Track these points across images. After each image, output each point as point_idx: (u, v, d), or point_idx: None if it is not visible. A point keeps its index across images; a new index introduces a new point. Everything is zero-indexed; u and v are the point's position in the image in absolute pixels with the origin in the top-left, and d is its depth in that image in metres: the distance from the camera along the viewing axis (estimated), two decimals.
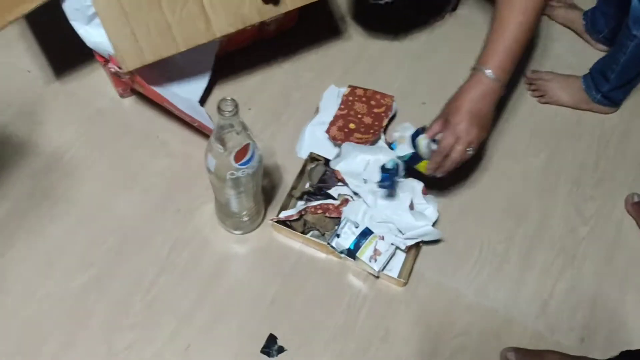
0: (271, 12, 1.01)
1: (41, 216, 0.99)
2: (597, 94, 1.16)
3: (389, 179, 0.97)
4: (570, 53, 1.28)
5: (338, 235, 0.97)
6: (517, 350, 0.91)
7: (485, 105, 0.92)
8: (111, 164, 1.06)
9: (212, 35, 0.97)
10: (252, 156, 0.83)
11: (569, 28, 1.32)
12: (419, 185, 1.03)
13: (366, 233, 0.97)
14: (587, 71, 1.18)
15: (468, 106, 0.91)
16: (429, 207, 1.02)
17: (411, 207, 1.01)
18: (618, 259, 1.03)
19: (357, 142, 1.08)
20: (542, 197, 1.09)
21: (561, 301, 0.98)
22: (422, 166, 0.98)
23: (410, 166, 0.98)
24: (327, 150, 1.10)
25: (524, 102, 1.21)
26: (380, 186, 0.99)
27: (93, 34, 0.91)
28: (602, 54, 1.22)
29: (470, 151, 0.92)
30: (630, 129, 1.18)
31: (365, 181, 1.03)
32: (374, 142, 1.09)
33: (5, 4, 0.86)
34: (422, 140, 0.97)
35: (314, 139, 1.11)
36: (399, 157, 0.98)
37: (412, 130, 0.99)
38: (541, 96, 1.20)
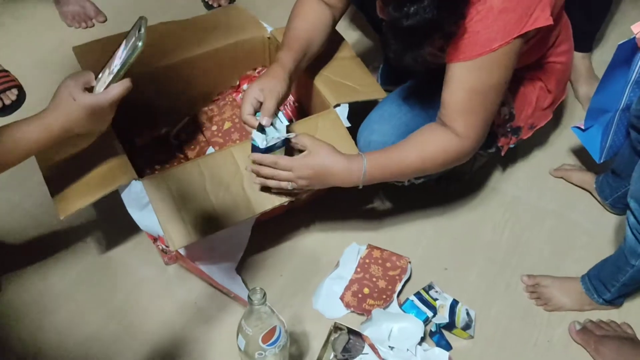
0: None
1: None
2: (599, 298, 1.17)
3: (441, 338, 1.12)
4: (587, 219, 1.34)
5: None
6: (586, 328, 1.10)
7: (336, 174, 1.02)
8: (152, 332, 1.14)
9: (252, 212, 1.07)
10: (279, 336, 0.90)
11: (583, 189, 1.39)
12: (444, 354, 1.08)
13: None
14: (602, 240, 1.22)
15: (323, 169, 1.01)
16: None
17: None
18: None
19: (369, 309, 1.14)
20: None
21: None
22: (456, 333, 1.14)
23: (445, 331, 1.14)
24: (339, 308, 1.17)
25: None
26: (438, 346, 1.11)
27: (146, 218, 1.03)
28: (616, 218, 1.28)
29: (289, 186, 1.02)
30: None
31: (392, 348, 1.08)
32: (386, 308, 1.16)
33: (73, 195, 1.01)
34: (461, 309, 1.15)
35: (330, 293, 1.19)
36: (437, 324, 1.12)
37: (451, 301, 1.15)
38: (545, 304, 1.20)
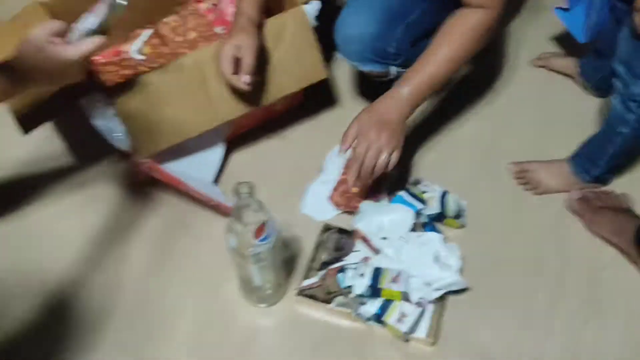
0: (273, 96, 1.08)
1: None
2: (587, 175, 1.16)
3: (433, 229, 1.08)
4: (569, 105, 1.33)
5: (362, 303, 0.99)
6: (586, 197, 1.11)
7: (394, 114, 1.00)
8: (140, 249, 1.11)
9: (220, 120, 1.05)
10: (270, 231, 0.87)
11: (565, 74, 1.37)
12: (438, 236, 1.06)
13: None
14: (584, 125, 1.22)
15: (377, 116, 1.00)
16: (452, 257, 1.04)
17: (435, 259, 1.03)
18: None
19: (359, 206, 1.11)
20: (558, 244, 1.11)
21: (590, 352, 0.97)
22: (448, 223, 1.12)
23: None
24: (328, 210, 1.15)
25: None
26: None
27: (112, 129, 0.99)
28: (597, 102, 1.27)
29: (384, 157, 0.99)
30: None
31: (384, 239, 1.06)
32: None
33: (36, 112, 0.95)
34: (450, 199, 1.12)
35: (317, 197, 1.17)
36: (428, 215, 1.09)
37: (440, 192, 1.13)
38: (534, 188, 1.19)
